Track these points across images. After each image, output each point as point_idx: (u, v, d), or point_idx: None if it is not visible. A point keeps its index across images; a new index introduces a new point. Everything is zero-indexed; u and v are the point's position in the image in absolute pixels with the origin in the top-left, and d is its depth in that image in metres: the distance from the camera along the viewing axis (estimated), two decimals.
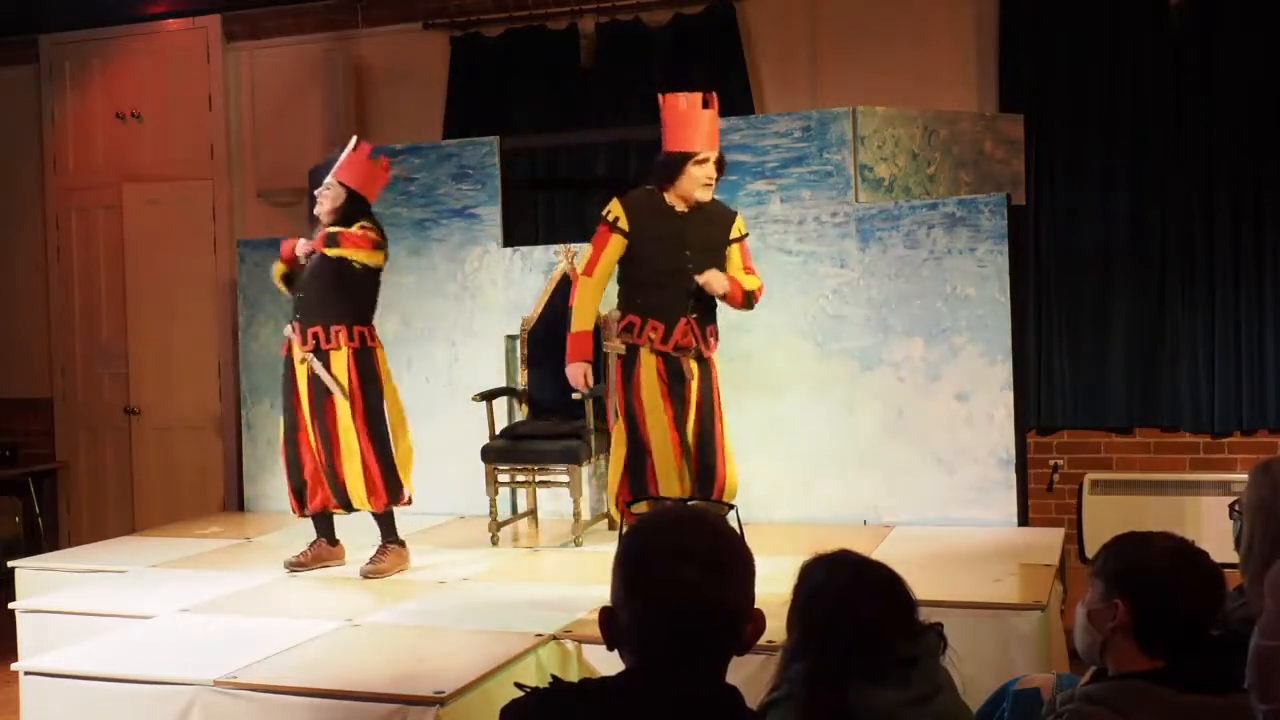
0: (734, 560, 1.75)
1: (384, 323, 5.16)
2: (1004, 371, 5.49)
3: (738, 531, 1.83)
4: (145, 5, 7.63)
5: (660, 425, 4.50)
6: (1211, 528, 5.58)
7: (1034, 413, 6.25)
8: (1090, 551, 5.91)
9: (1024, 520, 5.61)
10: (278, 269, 5.21)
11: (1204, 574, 2.26)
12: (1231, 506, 2.81)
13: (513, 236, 6.35)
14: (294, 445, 5.07)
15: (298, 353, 5.02)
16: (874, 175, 5.77)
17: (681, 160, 4.53)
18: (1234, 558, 2.72)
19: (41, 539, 7.66)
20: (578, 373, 4.63)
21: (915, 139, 5.87)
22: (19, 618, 4.69)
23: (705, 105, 4.58)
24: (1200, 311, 6.10)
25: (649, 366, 4.52)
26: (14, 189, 8.12)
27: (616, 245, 4.56)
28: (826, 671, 2.16)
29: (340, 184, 5.06)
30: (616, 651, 1.77)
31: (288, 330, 5.08)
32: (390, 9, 7.36)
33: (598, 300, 4.67)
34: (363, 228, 5.02)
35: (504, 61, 7.08)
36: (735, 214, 4.77)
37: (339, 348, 4.98)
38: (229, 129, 7.70)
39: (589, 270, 4.62)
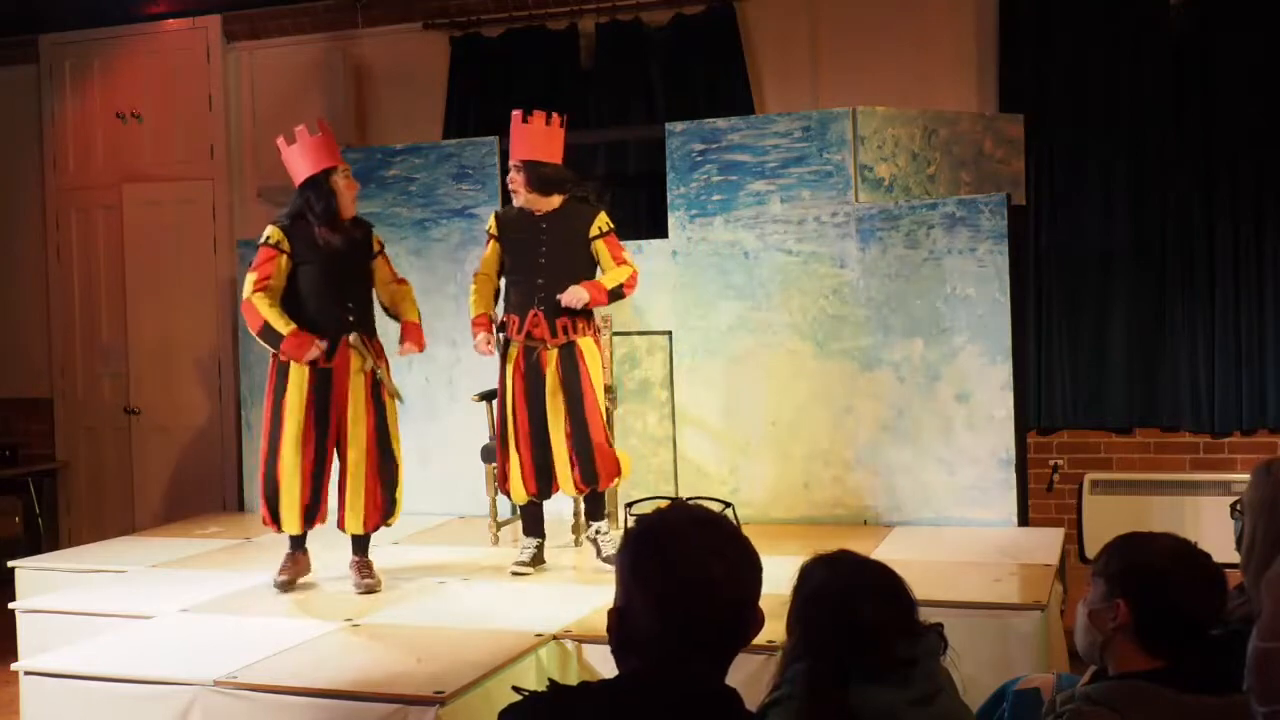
0: (747, 556, 1.76)
1: (384, 322, 5.15)
2: (1004, 371, 5.49)
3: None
4: (145, 5, 7.62)
5: (512, 421, 4.99)
6: (1211, 528, 5.58)
7: (1034, 413, 6.25)
8: (1090, 552, 5.91)
9: (1024, 520, 5.61)
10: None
11: (1205, 575, 2.26)
12: (1233, 506, 2.81)
13: None
14: (322, 459, 4.69)
15: (363, 363, 4.72)
16: (874, 175, 5.77)
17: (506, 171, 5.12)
18: (1234, 558, 2.72)
19: (41, 539, 7.65)
20: (478, 337, 5.03)
21: (915, 139, 5.87)
22: (19, 618, 4.69)
23: (526, 119, 4.99)
24: (1200, 312, 6.09)
25: (512, 360, 5.01)
26: (14, 189, 8.11)
27: (493, 249, 5.13)
28: (826, 672, 2.16)
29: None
30: (615, 655, 1.76)
31: (353, 339, 4.71)
32: (390, 9, 7.35)
33: (486, 292, 5.12)
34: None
35: (504, 61, 7.08)
36: (599, 212, 5.11)
37: (382, 356, 4.90)
38: (229, 129, 7.70)
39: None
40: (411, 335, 4.92)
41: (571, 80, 6.99)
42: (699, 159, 5.93)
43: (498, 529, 5.59)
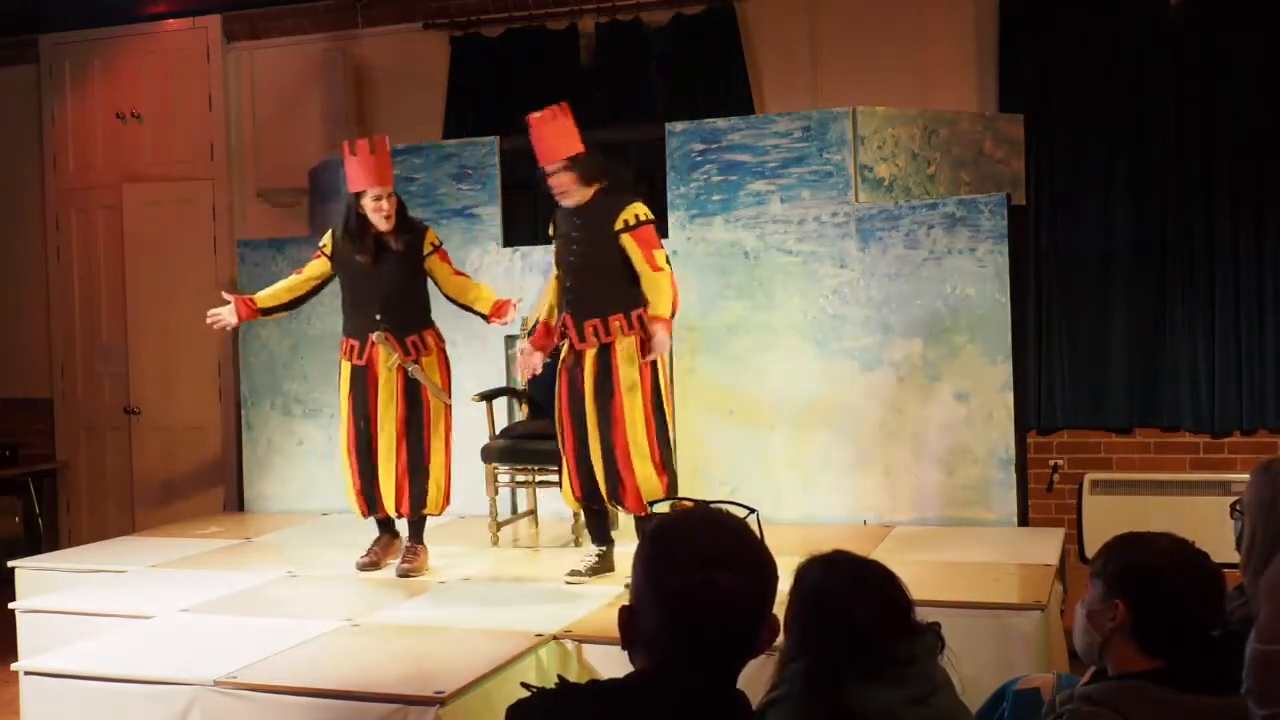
0: (760, 568, 1.73)
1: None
2: (1004, 371, 5.49)
3: (759, 536, 1.81)
4: (145, 5, 7.63)
5: (558, 423, 4.84)
6: (1211, 528, 5.56)
7: (1034, 413, 6.25)
8: (1090, 551, 5.90)
9: (1024, 520, 5.61)
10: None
11: (1204, 575, 2.26)
12: (1232, 506, 2.81)
13: (512, 236, 6.35)
14: (368, 454, 5.00)
15: (389, 360, 4.96)
16: (874, 175, 5.77)
17: (540, 175, 4.80)
18: (1234, 558, 2.72)
19: (41, 539, 7.66)
20: (520, 348, 5.04)
21: (915, 139, 5.87)
22: (19, 618, 4.69)
23: (558, 114, 4.74)
24: (1200, 312, 6.09)
25: (561, 359, 4.83)
26: (14, 189, 8.12)
27: (555, 247, 4.89)
28: (824, 671, 2.16)
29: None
30: (626, 652, 1.76)
31: (376, 337, 4.95)
32: (390, 9, 7.36)
33: (550, 298, 4.96)
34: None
35: (504, 61, 7.08)
36: (631, 201, 4.70)
37: (431, 353, 5.03)
38: (229, 129, 7.70)
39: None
40: (496, 312, 4.99)
41: (571, 80, 6.99)
42: (699, 159, 5.93)
43: (498, 529, 5.60)
